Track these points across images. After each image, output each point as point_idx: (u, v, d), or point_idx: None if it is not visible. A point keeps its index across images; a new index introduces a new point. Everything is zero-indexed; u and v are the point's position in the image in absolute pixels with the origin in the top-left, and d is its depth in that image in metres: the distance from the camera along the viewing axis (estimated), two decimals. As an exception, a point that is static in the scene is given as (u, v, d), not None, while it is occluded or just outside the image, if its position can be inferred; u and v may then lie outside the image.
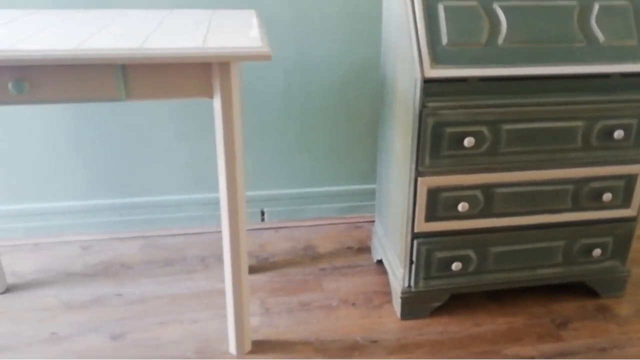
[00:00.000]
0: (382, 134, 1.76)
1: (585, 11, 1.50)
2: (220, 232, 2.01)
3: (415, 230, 1.55)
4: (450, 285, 1.63)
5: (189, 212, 2.09)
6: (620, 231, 1.67)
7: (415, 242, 1.56)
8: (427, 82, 1.41)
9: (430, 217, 1.54)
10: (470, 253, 1.61)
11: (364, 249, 2.02)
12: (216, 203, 2.02)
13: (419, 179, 1.49)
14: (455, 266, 1.59)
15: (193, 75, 1.21)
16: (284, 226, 2.16)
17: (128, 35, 1.26)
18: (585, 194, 1.59)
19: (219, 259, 1.92)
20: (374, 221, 1.96)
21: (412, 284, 1.61)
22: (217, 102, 1.24)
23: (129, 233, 2.07)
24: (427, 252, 1.58)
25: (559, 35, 1.47)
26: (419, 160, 1.47)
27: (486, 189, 1.53)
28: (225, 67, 1.20)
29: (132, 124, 1.95)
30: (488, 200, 1.55)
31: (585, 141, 1.53)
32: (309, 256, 1.97)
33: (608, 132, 1.53)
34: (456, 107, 1.44)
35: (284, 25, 1.92)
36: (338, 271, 1.88)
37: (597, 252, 1.67)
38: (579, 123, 1.51)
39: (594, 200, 1.61)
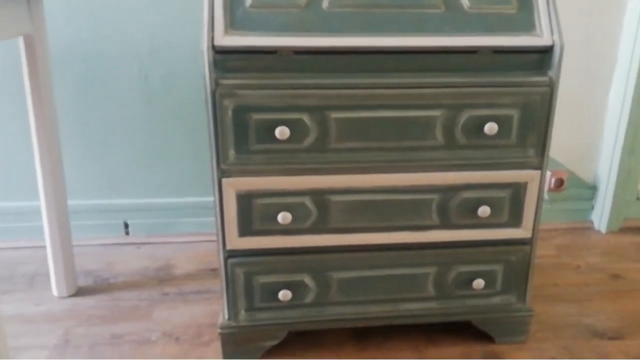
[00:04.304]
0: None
1: (445, -31, 1.16)
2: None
3: (228, 247, 1.21)
4: (284, 319, 1.28)
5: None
6: (511, 257, 1.30)
7: (228, 262, 1.22)
8: (220, 53, 1.09)
9: (245, 230, 1.20)
10: (306, 279, 1.25)
11: (231, 271, 1.68)
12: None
13: (224, 180, 1.16)
14: (283, 295, 1.24)
15: None
16: (148, 242, 1.84)
17: None
18: (456, 207, 1.23)
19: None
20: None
21: (232, 316, 1.26)
22: None
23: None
24: (246, 275, 1.23)
25: (406, -3, 1.14)
26: (220, 156, 1.14)
27: (317, 195, 1.19)
28: None
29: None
30: (322, 211, 1.20)
31: (448, 137, 1.18)
32: (158, 278, 1.64)
33: (478, 126, 1.17)
34: (264, 87, 1.11)
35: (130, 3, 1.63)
36: (182, 297, 1.55)
37: (478, 283, 1.29)
38: (437, 112, 1.16)
39: (470, 215, 1.24)
